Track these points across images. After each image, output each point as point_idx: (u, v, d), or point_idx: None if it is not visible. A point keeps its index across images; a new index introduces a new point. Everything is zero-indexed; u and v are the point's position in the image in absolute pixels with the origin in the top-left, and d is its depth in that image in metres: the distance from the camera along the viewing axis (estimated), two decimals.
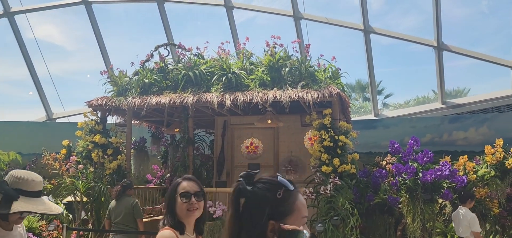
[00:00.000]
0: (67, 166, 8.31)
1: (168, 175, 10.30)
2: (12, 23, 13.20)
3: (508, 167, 7.15)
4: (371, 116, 13.73)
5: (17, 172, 2.47)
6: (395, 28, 11.90)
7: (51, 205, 2.48)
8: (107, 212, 6.90)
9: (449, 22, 12.12)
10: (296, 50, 8.17)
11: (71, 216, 8.06)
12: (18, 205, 2.33)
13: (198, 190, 2.44)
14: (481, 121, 11.12)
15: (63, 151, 8.74)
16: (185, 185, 2.44)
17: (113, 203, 6.85)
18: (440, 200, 7.14)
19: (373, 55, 12.64)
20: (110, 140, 8.28)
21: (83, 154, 8.37)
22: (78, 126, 8.43)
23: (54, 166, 8.46)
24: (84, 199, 7.96)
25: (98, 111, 8.50)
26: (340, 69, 8.15)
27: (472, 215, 6.16)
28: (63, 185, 7.93)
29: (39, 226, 8.58)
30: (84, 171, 8.03)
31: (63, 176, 8.18)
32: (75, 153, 8.54)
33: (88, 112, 8.43)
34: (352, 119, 9.87)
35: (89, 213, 8.00)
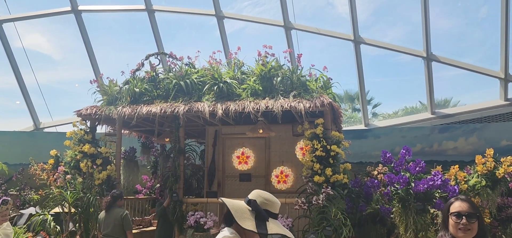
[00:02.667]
0: (55, 176, 8.16)
1: (158, 185, 10.19)
2: (0, 31, 13.02)
3: (499, 176, 7.18)
4: (361, 126, 13.78)
5: (263, 193, 2.45)
6: (381, 39, 12.08)
7: (286, 229, 2.46)
8: (97, 224, 6.80)
9: (435, 33, 12.25)
10: (287, 60, 8.17)
11: (58, 227, 7.89)
12: (272, 227, 2.32)
13: (470, 211, 2.52)
14: (470, 131, 11.22)
15: (51, 161, 8.59)
16: (457, 205, 2.57)
17: (102, 214, 6.77)
18: (432, 210, 7.14)
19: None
20: (99, 150, 8.16)
21: (72, 164, 8.22)
22: (67, 135, 8.29)
23: (42, 177, 8.31)
24: (72, 210, 7.81)
25: (87, 121, 8.38)
26: (332, 79, 8.17)
27: None
28: (51, 196, 7.78)
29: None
30: (72, 181, 7.88)
31: (51, 187, 8.02)
32: (63, 163, 8.40)
33: (77, 121, 8.30)
34: (343, 129, 9.88)
35: (77, 224, 7.84)
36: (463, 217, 2.50)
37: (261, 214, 2.33)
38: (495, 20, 11.69)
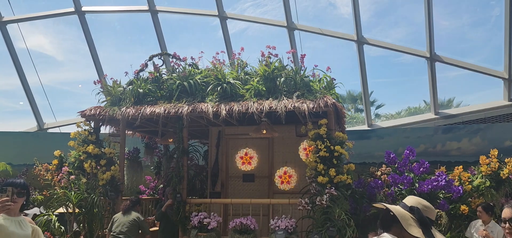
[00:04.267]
0: (59, 176, 8.18)
1: (161, 185, 10.20)
2: (4, 32, 13.08)
3: (503, 177, 7.17)
4: (365, 127, 13.77)
5: (422, 200, 2.52)
6: (384, 39, 12.06)
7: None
8: (110, 224, 7.21)
9: (438, 33, 12.24)
10: (291, 61, 8.17)
11: (63, 228, 7.90)
12: (437, 234, 2.41)
13: None
14: (474, 132, 11.20)
15: (55, 161, 8.61)
16: (505, 211, 2.79)
17: (119, 214, 7.23)
18: (436, 211, 7.13)
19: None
20: (103, 150, 8.17)
21: (75, 165, 8.24)
22: (71, 136, 8.30)
23: (46, 177, 8.32)
24: (76, 210, 7.83)
25: (91, 121, 8.39)
26: (335, 80, 8.16)
27: (500, 228, 6.07)
28: (55, 196, 7.79)
29: None
30: (76, 182, 7.90)
31: (55, 187, 8.04)
32: (67, 164, 8.41)
33: (81, 122, 8.32)
34: (346, 129, 9.87)
35: (81, 225, 7.86)
36: (507, 222, 2.75)
37: (425, 221, 2.40)
38: (499, 20, 11.67)
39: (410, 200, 2.50)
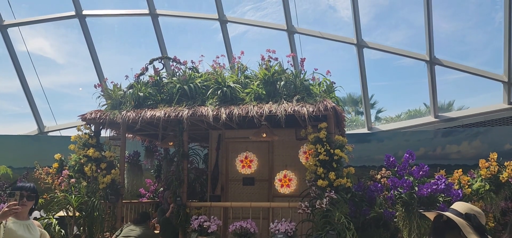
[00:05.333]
0: (59, 180, 8.19)
1: (161, 189, 10.22)
2: (5, 35, 13.12)
3: (503, 180, 7.18)
4: (365, 130, 13.78)
5: (473, 206, 2.55)
6: (384, 42, 12.07)
7: None
8: (119, 230, 7.39)
9: (438, 36, 12.28)
10: (290, 64, 8.20)
11: (63, 231, 7.91)
12: None
13: None
14: (474, 135, 11.21)
15: (55, 165, 8.63)
16: None
17: (129, 224, 7.50)
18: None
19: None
20: (103, 154, 8.19)
21: (76, 168, 8.25)
22: (71, 139, 8.33)
23: (47, 180, 8.34)
24: (77, 214, 7.84)
25: (91, 125, 8.42)
26: (335, 83, 8.18)
27: None
28: (55, 200, 7.80)
29: None
30: (76, 185, 7.92)
31: (55, 191, 8.06)
32: (67, 167, 8.43)
33: (82, 125, 8.34)
34: (346, 133, 9.89)
35: (81, 228, 7.87)
36: None
37: (482, 228, 2.42)
38: (499, 23, 11.69)
39: (462, 206, 2.52)
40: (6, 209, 3.10)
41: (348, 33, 12.51)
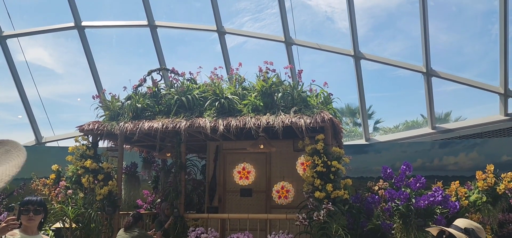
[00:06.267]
0: (56, 191, 8.16)
1: (159, 200, 10.19)
2: (4, 46, 13.14)
3: (500, 192, 7.19)
4: (362, 141, 13.80)
5: (472, 222, 2.69)
6: (381, 54, 12.16)
7: None
8: None
9: (435, 47, 12.35)
10: (288, 75, 8.24)
11: None
12: None
13: None
14: (471, 146, 11.25)
15: (52, 176, 8.60)
16: None
17: (121, 231, 7.34)
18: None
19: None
20: (101, 165, 8.18)
21: (73, 179, 8.23)
22: (69, 150, 8.31)
23: (43, 192, 8.31)
24: (74, 225, 7.81)
25: (89, 136, 8.41)
26: (332, 95, 8.23)
27: None
28: (52, 211, 7.77)
29: None
30: (73, 196, 7.89)
31: (52, 202, 8.03)
32: (64, 178, 8.41)
33: (79, 136, 8.34)
34: (344, 144, 9.91)
35: None
36: None
37: None
38: (495, 35, 11.78)
39: (462, 222, 2.66)
40: (4, 224, 3.09)
41: (346, 44, 12.58)
